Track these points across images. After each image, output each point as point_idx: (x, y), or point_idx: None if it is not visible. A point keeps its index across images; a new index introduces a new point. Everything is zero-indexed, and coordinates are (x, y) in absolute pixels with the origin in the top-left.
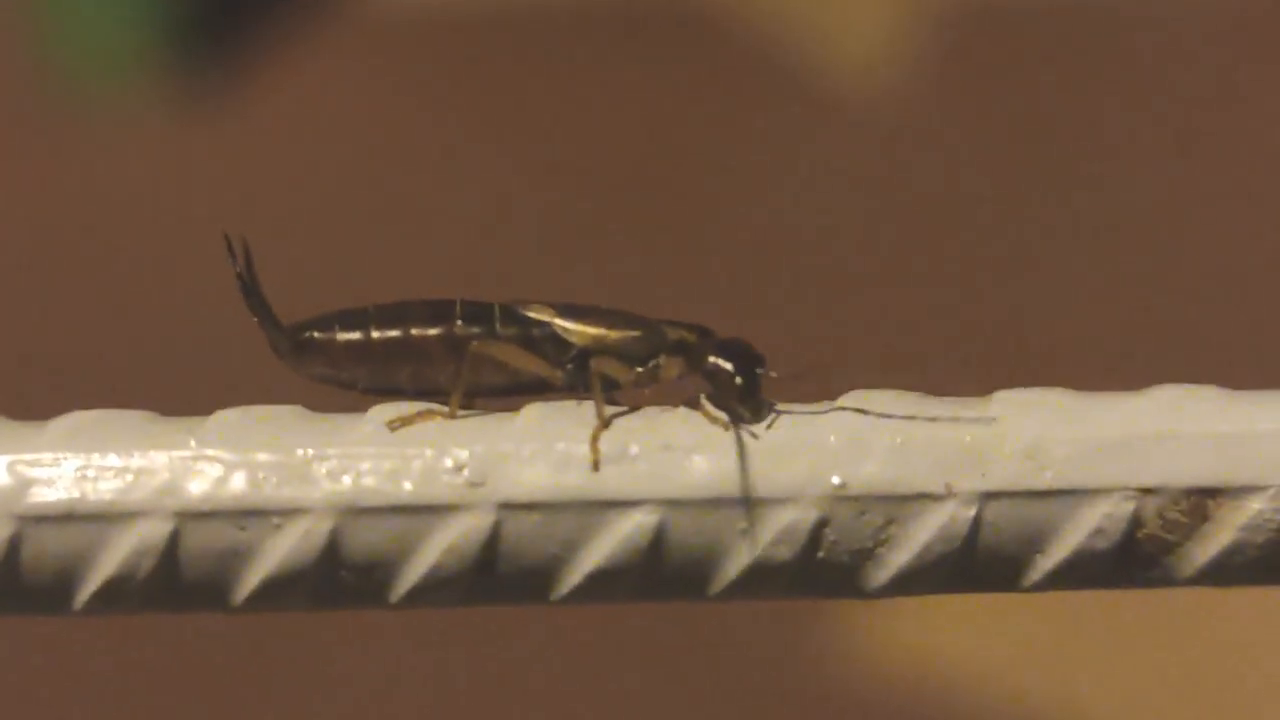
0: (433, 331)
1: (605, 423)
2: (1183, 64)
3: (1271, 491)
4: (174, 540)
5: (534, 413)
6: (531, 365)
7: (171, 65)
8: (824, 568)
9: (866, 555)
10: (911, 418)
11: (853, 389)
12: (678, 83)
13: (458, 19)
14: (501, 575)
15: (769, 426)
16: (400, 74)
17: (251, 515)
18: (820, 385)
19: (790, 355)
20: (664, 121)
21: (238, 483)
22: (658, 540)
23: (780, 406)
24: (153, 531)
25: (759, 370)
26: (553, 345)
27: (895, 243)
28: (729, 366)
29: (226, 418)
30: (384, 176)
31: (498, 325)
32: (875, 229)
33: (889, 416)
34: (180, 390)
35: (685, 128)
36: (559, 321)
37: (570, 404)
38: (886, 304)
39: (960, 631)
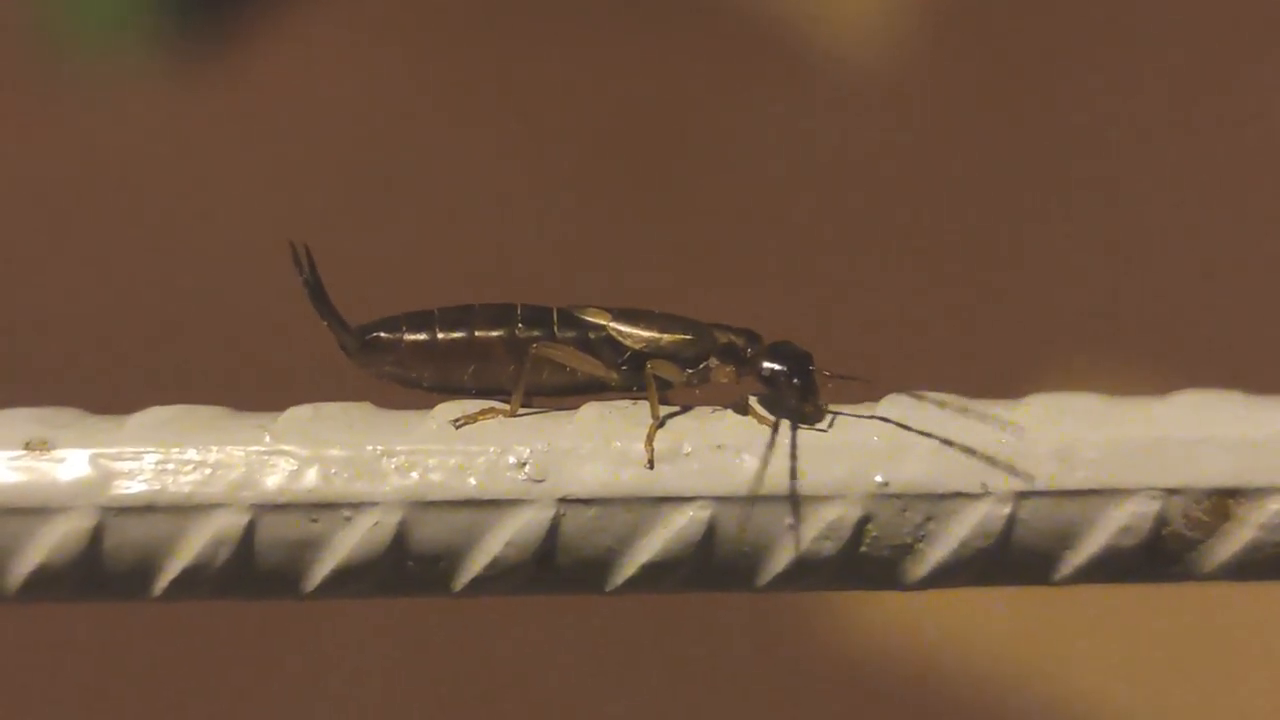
0: (495, 333)
1: (659, 422)
2: (1190, 33)
3: None
4: (249, 531)
5: (591, 412)
6: (588, 366)
7: (167, 32)
8: (866, 562)
9: (906, 550)
10: (950, 421)
11: (891, 392)
12: (683, 54)
13: None
14: (560, 567)
15: (827, 426)
16: (398, 39)
17: (323, 508)
18: (861, 385)
19: (822, 350)
20: (671, 95)
21: (310, 477)
22: (709, 534)
23: (829, 408)
24: (229, 523)
25: (811, 369)
26: (608, 347)
27: (913, 233)
28: (785, 369)
29: (299, 414)
30: (378, 138)
31: (556, 328)
32: (892, 217)
33: (929, 419)
34: (249, 386)
35: (690, 102)
36: (614, 325)
37: (626, 404)
38: (909, 297)
39: (971, 618)
